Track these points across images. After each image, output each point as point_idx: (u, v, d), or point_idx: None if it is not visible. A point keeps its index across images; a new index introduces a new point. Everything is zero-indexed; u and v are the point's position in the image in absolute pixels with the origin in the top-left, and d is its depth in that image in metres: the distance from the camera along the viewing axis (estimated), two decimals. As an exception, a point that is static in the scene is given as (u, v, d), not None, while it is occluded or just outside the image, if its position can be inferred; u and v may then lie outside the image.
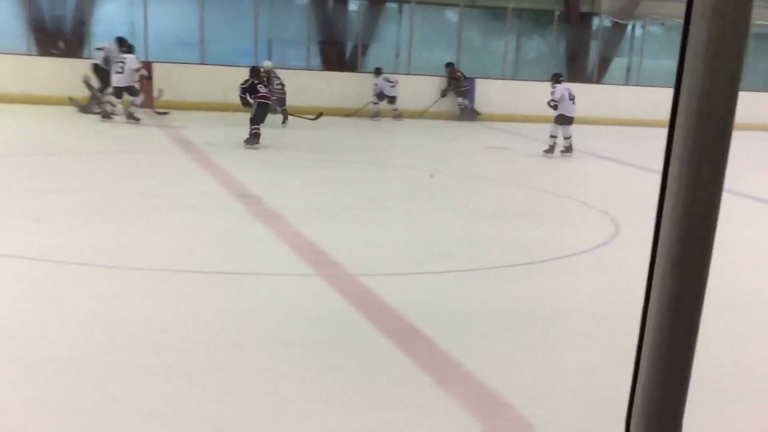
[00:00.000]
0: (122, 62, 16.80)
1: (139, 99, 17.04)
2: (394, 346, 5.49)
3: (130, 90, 16.90)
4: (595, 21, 23.80)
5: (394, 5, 22.54)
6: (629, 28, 24.34)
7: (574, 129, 15.68)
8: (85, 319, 5.68)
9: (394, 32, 22.66)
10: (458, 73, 20.70)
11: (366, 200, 10.66)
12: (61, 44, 19.79)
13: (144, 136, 15.19)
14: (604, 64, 23.56)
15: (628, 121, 20.98)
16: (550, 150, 15.53)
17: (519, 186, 12.34)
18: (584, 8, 23.13)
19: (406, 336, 5.70)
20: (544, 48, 23.86)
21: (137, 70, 16.86)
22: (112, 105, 17.04)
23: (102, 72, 17.86)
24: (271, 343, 5.47)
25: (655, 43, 24.15)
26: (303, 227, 8.58)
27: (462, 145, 16.86)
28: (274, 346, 5.43)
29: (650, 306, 1.44)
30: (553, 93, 15.76)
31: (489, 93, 21.01)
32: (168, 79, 19.31)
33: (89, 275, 6.74)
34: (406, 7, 22.16)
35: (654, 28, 24.73)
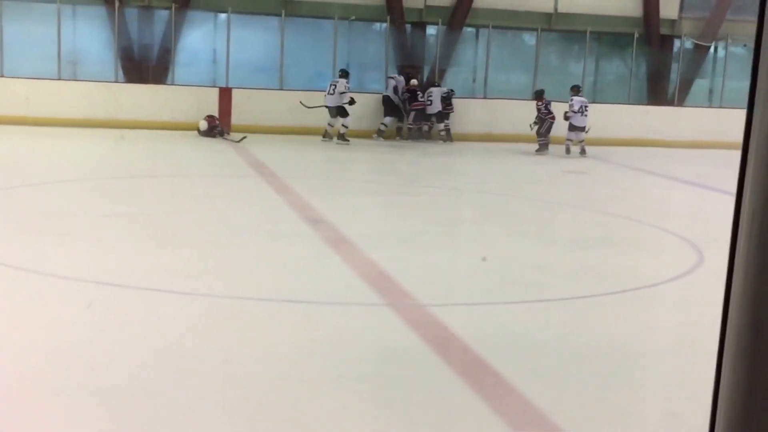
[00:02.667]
0: (334, 85, 18.52)
1: (347, 120, 18.48)
2: (463, 383, 5.17)
3: (341, 111, 18.36)
4: (676, 43, 23.19)
5: (471, 29, 22.27)
6: (711, 49, 23.66)
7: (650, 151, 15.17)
8: (151, 347, 5.53)
9: (472, 56, 22.39)
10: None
11: (439, 226, 10.34)
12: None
13: (221, 159, 15.14)
14: (685, 86, 22.89)
15: (712, 144, 20.21)
16: (566, 151, 17.95)
17: (597, 212, 11.88)
18: (664, 31, 22.56)
19: (476, 372, 5.37)
20: (624, 70, 23.30)
21: (342, 93, 18.45)
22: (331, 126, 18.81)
23: (390, 102, 19.54)
24: (336, 378, 5.21)
25: (738, 64, 23.38)
26: (374, 254, 8.30)
27: (538, 169, 16.46)
28: (340, 381, 5.17)
29: (726, 352, 1.33)
30: (571, 105, 17.99)
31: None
32: (246, 105, 19.37)
33: (157, 302, 6.61)
34: (483, 31, 21.87)
35: (737, 49, 23.97)
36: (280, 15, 20.37)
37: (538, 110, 18.75)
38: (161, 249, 8.20)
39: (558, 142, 18.29)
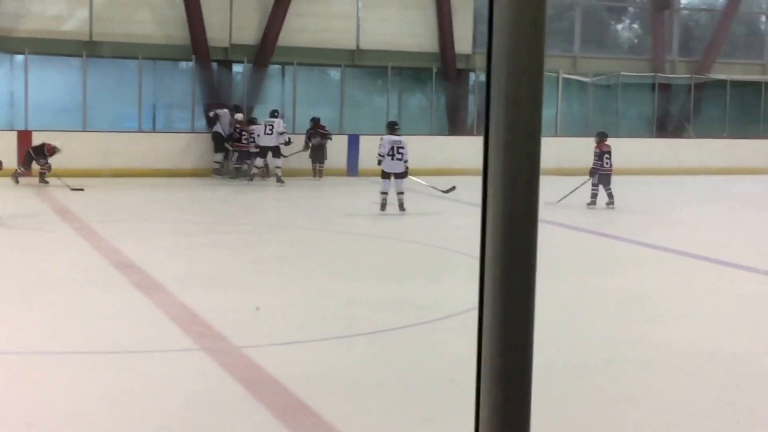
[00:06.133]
0: (271, 125, 18.63)
1: (280, 161, 18.66)
2: (283, 426, 5.01)
3: (275, 151, 18.57)
4: (472, 76, 23.91)
5: (277, 66, 22.21)
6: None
7: (462, 180, 15.42)
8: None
9: (279, 92, 22.33)
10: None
11: (252, 264, 10.11)
12: None
13: (22, 206, 14.27)
14: (483, 116, 23.55)
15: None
16: (382, 207, 13.93)
17: (410, 242, 11.97)
18: (460, 65, 23.23)
19: (295, 413, 5.23)
20: (425, 103, 23.82)
21: (281, 133, 18.72)
22: (257, 167, 18.89)
23: (219, 137, 19.55)
24: (150, 430, 4.92)
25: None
26: (186, 297, 8.01)
27: (352, 202, 16.36)
28: (153, 433, 4.88)
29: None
30: (380, 146, 14.20)
31: (374, 149, 20.73)
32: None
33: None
34: (288, 68, 21.85)
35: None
36: (81, 56, 19.60)
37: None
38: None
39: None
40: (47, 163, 16.88)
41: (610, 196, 15.18)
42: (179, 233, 12.27)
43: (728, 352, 6.69)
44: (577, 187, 15.30)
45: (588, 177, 15.39)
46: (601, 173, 15.22)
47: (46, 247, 10.89)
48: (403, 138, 14.26)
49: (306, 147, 19.67)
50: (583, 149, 22.71)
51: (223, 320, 7.22)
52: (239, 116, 19.56)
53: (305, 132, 20.05)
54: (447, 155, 20.81)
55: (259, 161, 18.90)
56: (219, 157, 19.63)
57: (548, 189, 15.18)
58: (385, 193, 13.96)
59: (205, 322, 7.17)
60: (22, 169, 16.99)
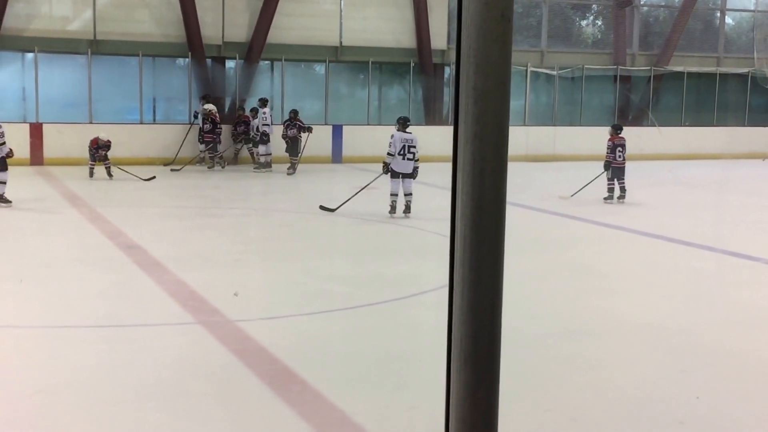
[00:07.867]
0: (272, 114, 19.11)
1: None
2: (272, 392, 5.09)
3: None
4: (447, 70, 23.93)
5: (266, 62, 22.18)
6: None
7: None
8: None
9: (269, 86, 22.29)
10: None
11: (245, 245, 10.15)
12: None
13: (33, 191, 14.23)
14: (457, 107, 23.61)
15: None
16: (392, 210, 12.29)
17: (387, 223, 11.99)
18: (436, 60, 23.26)
19: (283, 380, 5.29)
20: (403, 95, 23.82)
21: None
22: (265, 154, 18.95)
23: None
24: (151, 397, 5.01)
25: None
26: (184, 275, 8.06)
27: (333, 187, 16.36)
28: (155, 399, 4.97)
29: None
30: (391, 144, 12.24)
31: (356, 138, 20.88)
32: (58, 138, 18.48)
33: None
34: (277, 63, 21.84)
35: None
36: (86, 53, 19.57)
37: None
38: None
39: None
40: (98, 154, 16.35)
41: (623, 189, 14.22)
42: (177, 217, 12.29)
43: (679, 324, 6.79)
44: (591, 181, 14.63)
45: (603, 170, 14.47)
46: (614, 166, 14.23)
47: (54, 229, 10.89)
48: (414, 135, 12.34)
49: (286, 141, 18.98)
50: (549, 137, 23.05)
51: (219, 296, 7.26)
52: (209, 107, 19.10)
53: (282, 123, 19.26)
54: (425, 144, 20.74)
55: (263, 149, 18.86)
56: (202, 147, 19.56)
57: (561, 179, 15.23)
58: (395, 194, 12.26)
59: (202, 298, 7.21)
60: (91, 162, 16.56)
